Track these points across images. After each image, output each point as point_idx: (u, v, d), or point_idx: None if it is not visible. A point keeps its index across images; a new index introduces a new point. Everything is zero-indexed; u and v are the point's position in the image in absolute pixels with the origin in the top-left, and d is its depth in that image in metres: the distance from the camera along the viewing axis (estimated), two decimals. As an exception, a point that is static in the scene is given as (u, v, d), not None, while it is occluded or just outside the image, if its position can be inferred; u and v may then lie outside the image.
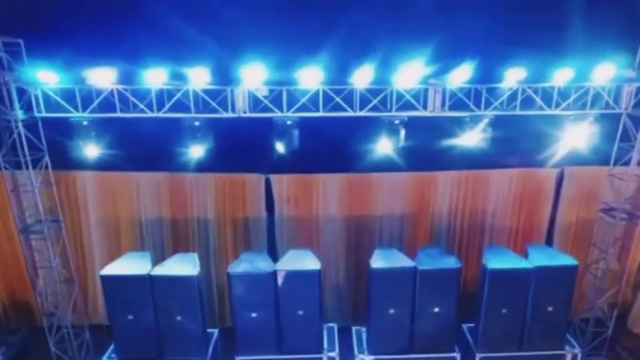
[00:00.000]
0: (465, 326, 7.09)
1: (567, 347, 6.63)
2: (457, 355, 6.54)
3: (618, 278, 7.78)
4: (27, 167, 6.82)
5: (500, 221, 8.52)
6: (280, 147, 6.69)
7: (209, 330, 6.99)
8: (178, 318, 6.27)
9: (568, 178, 8.40)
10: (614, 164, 7.30)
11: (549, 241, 8.63)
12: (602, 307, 7.88)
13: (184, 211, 8.29)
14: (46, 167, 7.16)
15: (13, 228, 8.26)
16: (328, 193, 8.25)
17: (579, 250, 8.26)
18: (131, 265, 6.36)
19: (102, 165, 7.78)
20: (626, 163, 7.17)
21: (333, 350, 6.62)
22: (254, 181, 8.15)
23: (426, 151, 7.74)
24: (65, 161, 7.52)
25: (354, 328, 7.17)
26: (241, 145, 7.51)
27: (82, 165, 7.75)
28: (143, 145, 7.47)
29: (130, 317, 6.26)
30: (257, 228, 8.33)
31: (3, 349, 7.46)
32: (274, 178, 8.16)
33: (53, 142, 7.11)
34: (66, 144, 7.11)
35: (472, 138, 6.90)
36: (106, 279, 6.12)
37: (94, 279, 8.70)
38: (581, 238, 8.54)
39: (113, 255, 8.19)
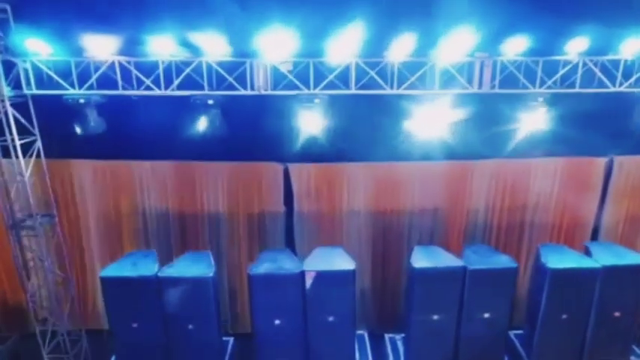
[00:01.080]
0: (512, 333, 6.24)
1: (633, 358, 5.78)
2: (508, 366, 5.72)
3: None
4: (16, 154, 5.96)
5: (542, 217, 7.67)
6: (309, 126, 5.83)
7: (224, 338, 6.13)
8: (190, 326, 5.40)
9: (618, 168, 7.55)
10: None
11: (594, 239, 7.80)
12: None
13: (193, 205, 7.40)
14: (38, 154, 6.30)
15: (1, 227, 7.41)
16: (354, 185, 7.38)
17: (630, 246, 7.42)
18: (135, 265, 5.48)
19: (101, 152, 6.94)
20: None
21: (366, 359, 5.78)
22: (272, 170, 7.26)
23: (464, 136, 6.91)
24: (59, 148, 6.67)
25: (387, 336, 6.32)
26: (259, 130, 6.66)
27: (78, 152, 6.91)
28: (148, 129, 6.59)
29: (135, 325, 5.39)
30: (274, 224, 7.46)
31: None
32: (294, 168, 7.28)
33: (46, 126, 6.25)
34: (60, 127, 6.25)
35: (523, 121, 6.10)
36: (106, 281, 5.24)
37: (93, 280, 7.78)
38: (630, 235, 7.72)
39: (114, 253, 7.34)
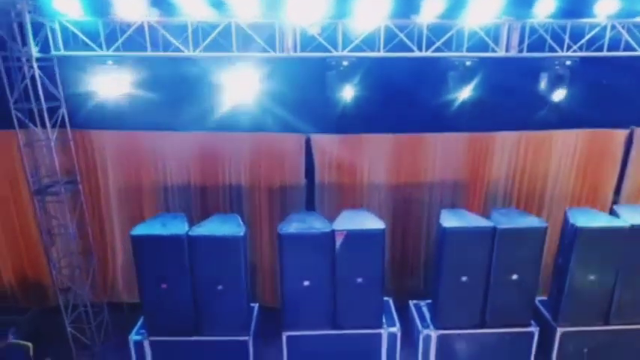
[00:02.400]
0: (537, 299, 6.23)
1: (660, 319, 5.78)
2: (535, 329, 5.68)
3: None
4: (41, 118, 5.93)
5: (562, 187, 7.65)
6: (333, 93, 5.84)
7: (251, 305, 6.12)
8: (219, 287, 5.38)
9: (638, 140, 7.55)
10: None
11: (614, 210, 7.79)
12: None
13: (214, 177, 7.37)
14: (62, 121, 6.27)
15: (23, 196, 7.34)
16: (375, 156, 7.37)
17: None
18: (165, 225, 5.45)
19: (123, 123, 6.92)
20: None
21: (393, 325, 5.75)
22: (294, 141, 7.22)
23: (486, 107, 6.90)
24: (82, 118, 6.65)
25: (411, 302, 6.30)
26: (281, 98, 6.66)
27: (101, 122, 6.87)
28: (172, 97, 6.61)
29: (164, 286, 5.36)
30: (295, 196, 7.43)
31: (13, 328, 6.55)
32: (316, 139, 7.26)
33: (69, 94, 6.23)
34: (83, 96, 6.25)
35: (554, 88, 6.08)
36: (136, 239, 5.20)
37: (113, 252, 7.75)
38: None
39: (135, 225, 7.34)
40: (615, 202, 7.78)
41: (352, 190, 7.39)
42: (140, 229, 5.29)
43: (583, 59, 5.98)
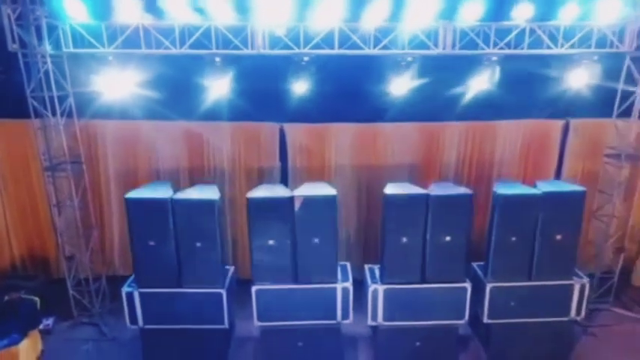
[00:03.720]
0: (474, 264, 7.21)
1: (575, 278, 6.73)
2: (468, 285, 6.65)
3: (624, 222, 7.93)
4: (52, 106, 7.06)
5: (508, 173, 8.68)
6: (297, 83, 6.94)
7: (226, 267, 7.14)
8: (198, 244, 6.42)
9: (573, 130, 8.58)
10: (619, 107, 7.52)
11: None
12: (608, 253, 8.03)
13: (200, 161, 8.48)
14: (70, 110, 7.39)
15: (33, 177, 8.47)
16: (340, 143, 8.45)
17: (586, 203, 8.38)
18: (154, 190, 6.53)
19: (122, 113, 8.04)
20: (630, 107, 7.38)
21: (347, 281, 6.74)
22: (269, 129, 8.34)
23: (436, 100, 7.98)
24: (86, 110, 7.77)
25: (366, 266, 7.27)
26: (258, 92, 7.76)
27: (102, 112, 7.98)
28: (164, 91, 7.71)
29: (152, 243, 6.41)
30: (270, 177, 8.51)
31: (22, 291, 7.59)
32: (288, 128, 8.37)
33: (76, 87, 7.36)
34: (87, 91, 7.39)
35: (483, 81, 7.16)
36: (130, 202, 6.26)
37: (110, 229, 8.83)
38: (587, 191, 8.66)
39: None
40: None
41: (321, 171, 8.44)
42: (133, 194, 6.35)
43: (519, 57, 7.05)
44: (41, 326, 7.38)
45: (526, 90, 8.00)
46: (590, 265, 7.99)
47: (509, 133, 8.54)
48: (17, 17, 6.52)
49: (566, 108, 8.27)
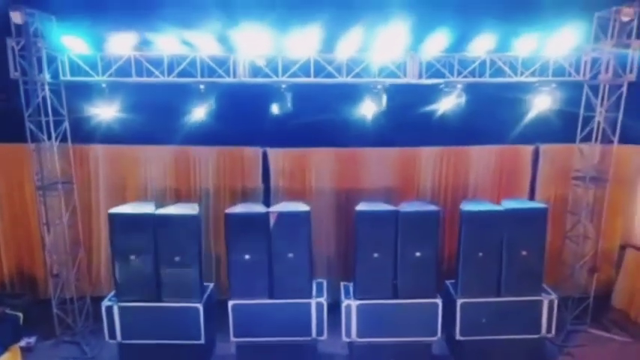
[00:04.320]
0: (447, 282, 7.43)
1: (544, 294, 6.92)
2: (439, 301, 6.84)
3: (595, 243, 8.17)
4: (48, 130, 7.58)
5: (482, 196, 9.02)
6: (276, 109, 7.46)
7: (205, 283, 7.38)
8: (177, 258, 6.72)
9: (543, 155, 9.01)
10: (581, 132, 7.96)
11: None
12: (583, 273, 8.22)
13: (187, 183, 8.91)
14: (64, 133, 7.91)
15: (28, 200, 8.90)
16: (320, 166, 8.89)
17: (559, 225, 8.65)
18: (137, 207, 6.91)
19: (114, 138, 8.56)
20: (592, 131, 7.83)
21: (321, 296, 6.96)
22: (252, 153, 8.83)
23: (411, 127, 8.49)
24: (80, 134, 8.30)
25: (342, 283, 7.50)
26: (242, 118, 8.29)
27: (95, 138, 8.52)
28: (153, 117, 8.25)
29: (133, 257, 6.71)
30: (253, 199, 8.87)
31: (8, 308, 7.81)
32: (271, 152, 8.84)
33: (71, 113, 7.92)
34: (82, 117, 7.94)
35: (449, 106, 7.66)
36: (113, 216, 6.65)
37: (98, 249, 9.16)
38: (560, 214, 8.96)
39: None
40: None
41: (302, 193, 8.83)
42: (117, 209, 6.73)
43: (488, 85, 7.58)
44: (23, 343, 7.54)
45: (496, 116, 8.50)
46: (566, 285, 8.16)
47: (482, 158, 8.98)
48: (20, 49, 7.16)
49: (535, 133, 8.72)
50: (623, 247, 9.24)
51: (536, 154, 9.03)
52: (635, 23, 7.09)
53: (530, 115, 8.04)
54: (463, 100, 7.56)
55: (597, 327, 8.35)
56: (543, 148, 8.97)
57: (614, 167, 8.51)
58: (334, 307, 7.23)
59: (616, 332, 8.22)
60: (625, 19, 7.04)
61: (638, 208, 9.16)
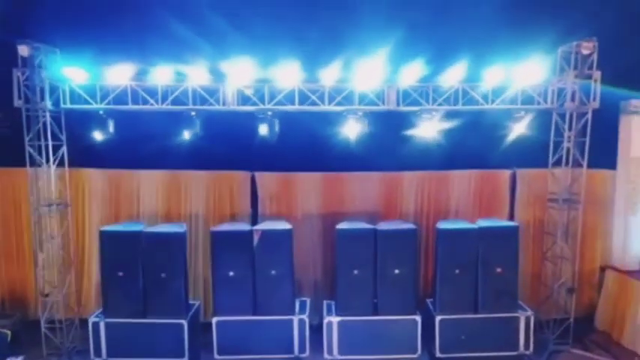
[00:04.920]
0: (428, 300, 7.67)
1: (520, 311, 7.15)
2: (418, 317, 7.07)
3: (572, 263, 8.44)
4: (47, 154, 8.06)
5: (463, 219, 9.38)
6: (263, 130, 7.97)
7: (192, 302, 7.62)
8: (163, 275, 7.00)
9: (520, 180, 9.45)
10: (553, 157, 8.43)
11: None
12: (562, 294, 8.44)
13: (177, 206, 9.28)
14: (62, 157, 8.38)
15: (24, 223, 9.25)
16: (307, 191, 9.30)
17: (540, 247, 9.00)
18: (127, 226, 7.27)
19: (109, 162, 9.04)
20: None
21: (304, 313, 7.18)
22: (241, 178, 9.26)
23: (393, 152, 9.00)
24: (77, 158, 8.77)
25: (325, 302, 7.73)
26: (231, 143, 8.80)
27: (91, 162, 8.98)
28: (146, 143, 8.75)
29: (120, 274, 6.99)
30: (242, 222, 9.21)
31: (-4, 327, 8.00)
32: (259, 176, 9.28)
33: (70, 138, 8.43)
34: (80, 142, 8.46)
35: (429, 132, 8.19)
36: (104, 234, 6.99)
37: (89, 271, 9.39)
38: (540, 236, 9.28)
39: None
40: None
41: (289, 216, 9.15)
42: (108, 228, 7.09)
43: (465, 112, 8.15)
44: (9, 363, 7.67)
45: (475, 142, 9.00)
46: (547, 307, 8.37)
47: (462, 183, 9.41)
48: (25, 79, 7.75)
49: (512, 159, 9.20)
50: (603, 269, 9.48)
51: (513, 179, 9.46)
52: (594, 56, 7.72)
53: (507, 140, 8.57)
54: (442, 126, 8.09)
55: (580, 347, 8.47)
56: (520, 172, 9.41)
57: (588, 190, 8.98)
58: (320, 328, 7.40)
59: (599, 353, 8.33)
60: (585, 52, 7.68)
61: (615, 230, 9.46)
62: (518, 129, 8.27)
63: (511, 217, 9.48)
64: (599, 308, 9.37)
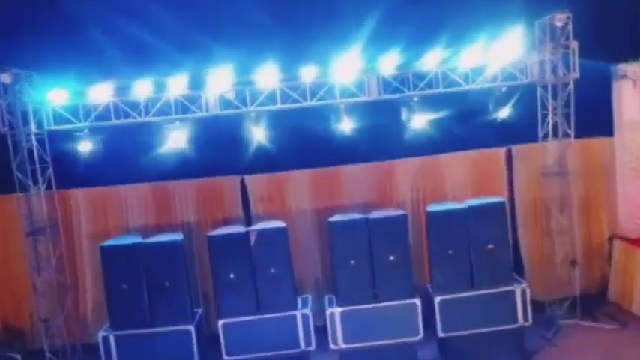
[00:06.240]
0: (428, 284, 9.56)
1: (515, 284, 9.04)
2: (417, 300, 8.95)
3: (571, 236, 10.34)
4: (34, 177, 9.96)
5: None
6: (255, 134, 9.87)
7: (195, 309, 9.53)
8: (167, 283, 8.90)
9: (516, 157, 11.32)
10: (542, 130, 10.31)
11: (513, 220, 11.21)
12: (566, 268, 10.34)
13: (168, 218, 11.19)
14: (49, 180, 10.29)
15: (17, 250, 11.12)
16: (299, 188, 11.20)
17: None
18: (125, 239, 9.18)
19: (95, 180, 10.94)
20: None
21: (306, 308, 9.08)
22: (230, 183, 11.16)
23: (383, 141, 10.90)
24: (63, 179, 10.67)
25: (327, 296, 9.61)
26: (217, 149, 10.71)
27: (77, 181, 10.89)
28: (131, 157, 10.66)
29: (124, 287, 8.89)
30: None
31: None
32: (248, 179, 11.18)
33: (55, 161, 10.33)
34: (64, 162, 10.37)
35: (417, 119, 10.09)
36: (104, 249, 8.89)
37: (84, 291, 11.30)
38: (541, 217, 11.13)
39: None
40: (513, 213, 11.30)
41: (282, 217, 11.01)
42: (107, 242, 9.00)
43: (450, 95, 10.04)
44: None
45: (465, 123, 10.89)
46: (554, 283, 10.24)
47: (457, 165, 11.26)
48: (7, 105, 9.65)
49: (506, 136, 11.07)
50: (610, 239, 11.36)
51: (509, 156, 11.34)
52: (569, 27, 9.60)
53: (497, 119, 10.46)
54: (430, 112, 9.99)
55: (589, 319, 10.36)
56: (515, 148, 11.29)
57: (586, 160, 10.92)
58: (325, 329, 9.22)
59: (605, 322, 10.22)
60: (559, 24, 9.56)
61: (619, 197, 11.33)
62: (506, 106, 10.16)
63: (511, 196, 11.37)
64: (610, 279, 11.25)
